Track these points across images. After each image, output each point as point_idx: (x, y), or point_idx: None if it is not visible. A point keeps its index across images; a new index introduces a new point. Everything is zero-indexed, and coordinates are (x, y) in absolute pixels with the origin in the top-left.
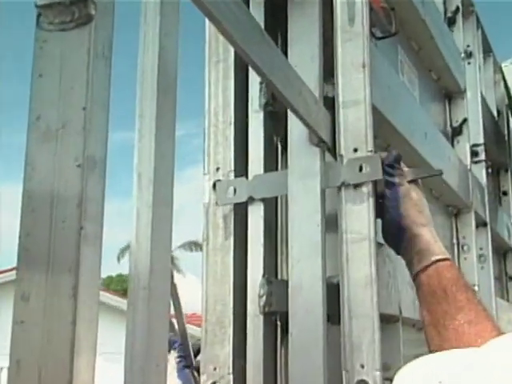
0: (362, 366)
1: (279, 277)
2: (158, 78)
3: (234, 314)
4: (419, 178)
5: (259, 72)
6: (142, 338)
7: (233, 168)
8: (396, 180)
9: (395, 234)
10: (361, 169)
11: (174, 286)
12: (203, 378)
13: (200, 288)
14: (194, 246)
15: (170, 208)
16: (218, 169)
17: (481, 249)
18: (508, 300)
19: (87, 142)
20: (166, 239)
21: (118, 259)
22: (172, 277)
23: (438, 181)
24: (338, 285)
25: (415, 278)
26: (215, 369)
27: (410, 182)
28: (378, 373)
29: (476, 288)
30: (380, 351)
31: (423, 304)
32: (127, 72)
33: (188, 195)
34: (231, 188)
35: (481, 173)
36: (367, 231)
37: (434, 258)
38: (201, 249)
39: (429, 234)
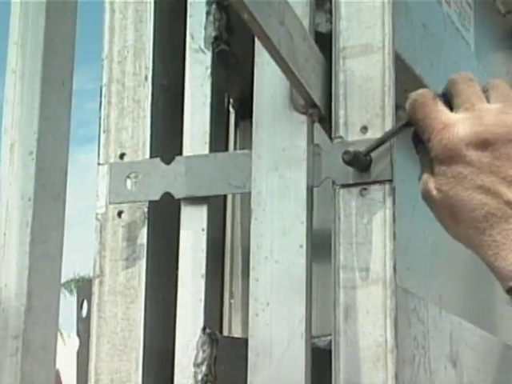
0: None
1: (226, 332)
2: None
3: None
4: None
5: None
6: None
7: (148, 154)
8: None
9: None
10: (371, 161)
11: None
12: None
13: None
14: (72, 287)
15: (61, 201)
16: (122, 155)
17: None
18: None
19: None
20: (54, 256)
21: None
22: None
23: None
24: (328, 351)
25: None
26: None
27: None
28: None
29: None
30: None
31: None
32: None
33: (75, 199)
34: (134, 176)
35: None
36: (381, 267)
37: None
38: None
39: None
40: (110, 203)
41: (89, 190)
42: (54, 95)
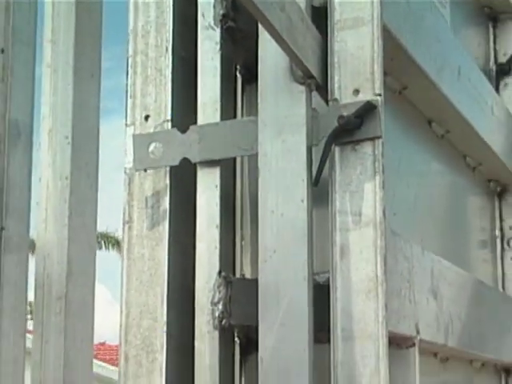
0: None
1: (238, 274)
2: None
3: (167, 332)
4: None
5: None
6: (55, 376)
7: (169, 116)
8: None
9: None
10: (362, 122)
11: None
12: None
13: (111, 305)
14: (101, 240)
15: (93, 178)
16: (147, 117)
17: None
18: None
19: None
20: (90, 228)
21: None
22: None
23: (475, 143)
24: (326, 286)
25: None
26: None
27: None
28: None
29: None
30: None
31: None
32: None
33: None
34: (154, 145)
35: None
36: (372, 212)
37: None
38: (112, 245)
39: None
40: (136, 170)
41: (102, 157)
42: (84, 86)
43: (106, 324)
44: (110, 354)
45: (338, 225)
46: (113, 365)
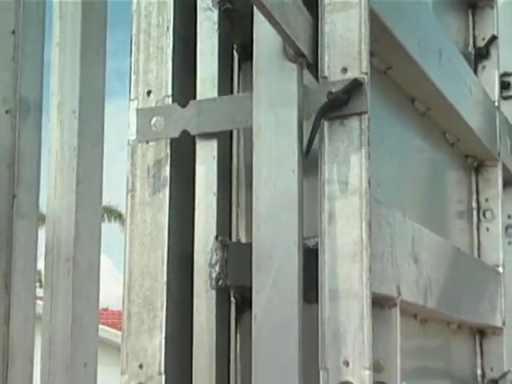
0: (347, 363)
1: (234, 238)
2: None
3: (167, 291)
4: None
5: None
6: (64, 330)
7: (170, 92)
8: None
9: None
10: (350, 96)
11: None
12: (124, 378)
13: (113, 275)
14: (104, 213)
15: (99, 149)
16: (149, 92)
17: (509, 217)
18: None
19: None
20: (96, 194)
21: None
22: None
23: (454, 121)
24: (315, 250)
25: None
26: (141, 366)
27: None
28: (367, 372)
29: (500, 270)
30: (371, 344)
31: None
32: None
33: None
34: (156, 119)
35: None
36: (358, 181)
37: None
38: (115, 217)
39: None
40: (139, 141)
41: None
42: (90, 63)
43: (109, 292)
44: (112, 319)
45: (327, 193)
46: (115, 328)
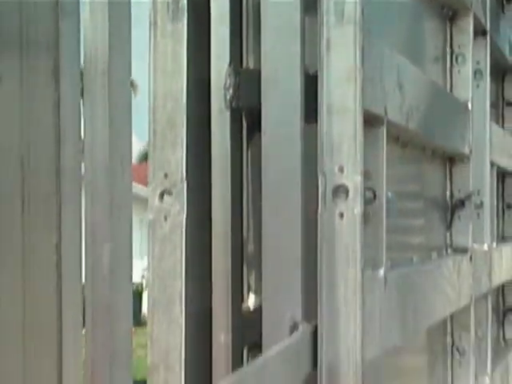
0: (342, 170)
1: (244, 66)
2: None
3: (187, 112)
4: None
5: None
6: (102, 131)
7: None
8: None
9: None
10: None
11: None
12: (150, 187)
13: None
14: None
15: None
16: None
17: (477, 63)
18: (503, 127)
19: None
20: None
21: None
22: None
23: None
24: (315, 77)
25: None
26: (166, 176)
27: None
28: (359, 177)
29: (469, 106)
30: (362, 153)
31: None
32: None
33: None
34: None
35: None
36: (353, 12)
37: None
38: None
39: None
40: None
41: None
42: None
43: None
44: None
45: (325, 22)
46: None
